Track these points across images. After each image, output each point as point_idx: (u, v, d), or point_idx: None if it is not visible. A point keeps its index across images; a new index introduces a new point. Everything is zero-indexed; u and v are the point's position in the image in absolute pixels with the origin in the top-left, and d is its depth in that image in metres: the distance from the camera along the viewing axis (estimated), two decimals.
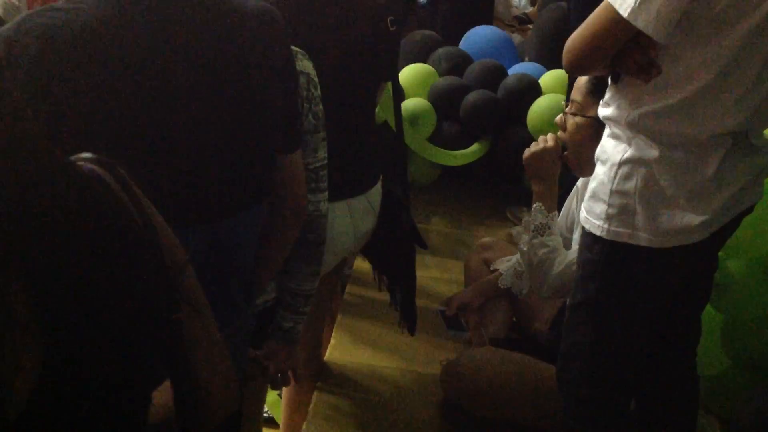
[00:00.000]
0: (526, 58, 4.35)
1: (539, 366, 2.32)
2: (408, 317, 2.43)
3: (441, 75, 3.88)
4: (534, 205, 2.21)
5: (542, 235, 2.18)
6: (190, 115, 1.28)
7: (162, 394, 0.99)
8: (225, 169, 1.35)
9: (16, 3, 3.05)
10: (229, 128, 1.33)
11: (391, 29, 2.05)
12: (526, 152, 2.24)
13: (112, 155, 1.06)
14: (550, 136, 2.24)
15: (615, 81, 1.66)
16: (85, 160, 0.92)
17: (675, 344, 1.96)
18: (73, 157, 0.91)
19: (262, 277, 1.60)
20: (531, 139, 3.66)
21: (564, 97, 3.52)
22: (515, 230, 2.29)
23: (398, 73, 2.35)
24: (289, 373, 1.80)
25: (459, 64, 3.91)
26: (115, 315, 0.84)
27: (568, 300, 1.92)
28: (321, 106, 1.69)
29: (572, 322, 1.83)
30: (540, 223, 2.19)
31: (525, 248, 2.19)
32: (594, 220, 1.70)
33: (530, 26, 5.07)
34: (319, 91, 1.69)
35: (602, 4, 1.56)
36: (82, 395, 0.82)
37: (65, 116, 1.17)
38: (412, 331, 2.45)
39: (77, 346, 0.81)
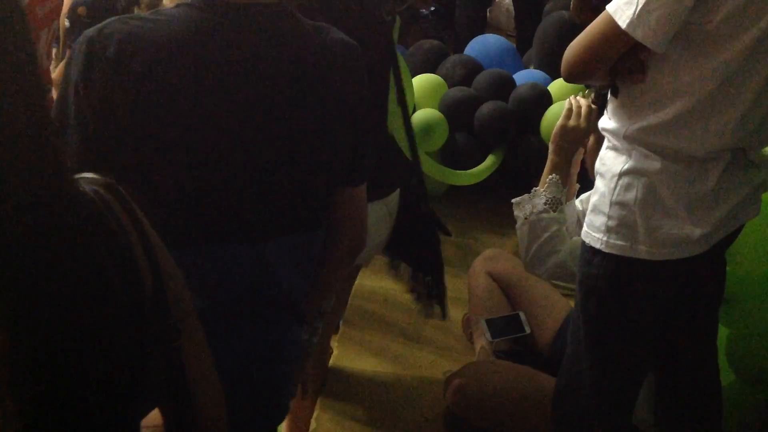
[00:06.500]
0: (531, 67, 4.35)
1: (543, 378, 2.32)
2: (439, 300, 2.37)
3: (453, 83, 3.87)
4: (550, 177, 2.13)
5: (554, 210, 2.10)
6: (249, 135, 1.29)
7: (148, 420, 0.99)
8: (275, 191, 1.34)
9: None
10: (287, 152, 1.34)
11: (387, 19, 2.06)
12: (559, 124, 2.16)
13: (162, 166, 1.13)
14: (584, 110, 2.14)
15: (615, 95, 1.67)
16: (87, 180, 0.91)
17: (693, 354, 1.94)
18: (76, 176, 0.90)
19: (314, 302, 1.59)
20: (544, 148, 3.63)
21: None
22: (517, 199, 2.16)
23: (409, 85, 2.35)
24: (299, 387, 1.79)
25: (471, 71, 3.91)
26: (102, 341, 0.83)
27: (570, 332, 1.90)
28: None
29: (574, 351, 1.82)
30: (554, 197, 2.10)
31: (533, 218, 2.09)
32: (594, 233, 1.70)
33: None
34: None
35: (602, 15, 1.58)
36: (71, 426, 0.80)
37: (126, 122, 1.21)
38: (444, 313, 2.39)
39: (62, 377, 0.79)
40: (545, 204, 2.09)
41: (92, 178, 0.91)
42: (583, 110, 2.12)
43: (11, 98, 0.78)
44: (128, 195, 0.92)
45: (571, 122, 2.12)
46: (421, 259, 2.37)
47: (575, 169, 2.24)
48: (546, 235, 2.07)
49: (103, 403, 0.83)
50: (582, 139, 2.15)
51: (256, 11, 1.30)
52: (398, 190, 2.18)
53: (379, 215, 2.11)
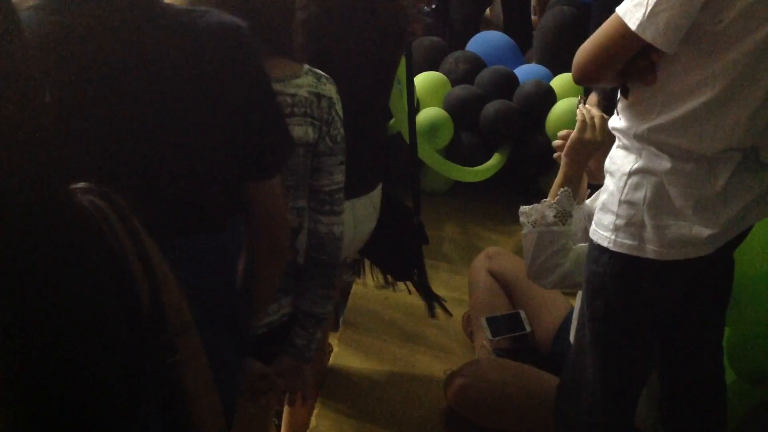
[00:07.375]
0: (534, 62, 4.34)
1: (543, 376, 2.32)
2: (428, 298, 2.47)
3: (456, 78, 3.86)
4: (562, 189, 2.06)
5: (564, 224, 2.04)
6: (126, 135, 1.22)
7: None
8: (158, 191, 1.26)
9: None
10: (165, 150, 1.25)
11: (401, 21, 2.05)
12: (575, 137, 2.07)
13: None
14: (598, 122, 2.06)
15: (625, 95, 1.67)
16: (83, 190, 0.89)
17: (699, 355, 1.93)
18: (72, 186, 0.87)
19: (257, 303, 1.54)
20: (549, 146, 3.61)
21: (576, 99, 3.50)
22: (526, 208, 2.07)
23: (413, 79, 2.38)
24: (298, 394, 1.77)
25: (473, 67, 3.90)
26: (97, 356, 0.81)
27: (573, 332, 1.90)
28: (341, 130, 1.64)
29: (579, 348, 1.81)
30: (564, 210, 2.04)
31: (542, 230, 2.03)
32: (602, 232, 1.69)
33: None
34: (341, 114, 1.64)
35: (612, 17, 1.58)
36: None
37: None
38: (432, 312, 2.49)
39: (56, 391, 0.78)
40: (555, 217, 2.04)
41: (88, 187, 0.89)
42: (597, 122, 2.05)
43: (5, 107, 0.76)
44: (125, 204, 0.90)
45: (587, 135, 2.05)
46: (395, 264, 2.37)
47: (585, 179, 2.22)
48: (553, 248, 2.03)
49: (97, 417, 0.82)
50: (597, 151, 2.08)
51: (110, 4, 1.21)
52: (381, 185, 2.18)
53: (364, 209, 2.11)
